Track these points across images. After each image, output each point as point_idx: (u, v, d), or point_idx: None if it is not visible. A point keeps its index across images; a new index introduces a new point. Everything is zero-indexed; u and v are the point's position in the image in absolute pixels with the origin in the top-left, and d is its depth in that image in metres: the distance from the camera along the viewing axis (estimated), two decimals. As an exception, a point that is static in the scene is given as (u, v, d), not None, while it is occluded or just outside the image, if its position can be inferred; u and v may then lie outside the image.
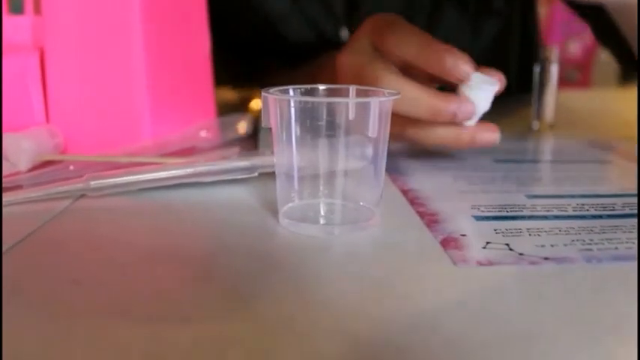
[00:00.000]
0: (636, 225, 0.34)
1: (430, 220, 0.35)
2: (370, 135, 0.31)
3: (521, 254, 0.30)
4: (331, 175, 0.33)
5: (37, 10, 0.49)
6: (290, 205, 0.34)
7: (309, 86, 0.35)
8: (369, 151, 0.33)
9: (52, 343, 0.21)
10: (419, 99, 0.41)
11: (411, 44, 0.42)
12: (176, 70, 0.52)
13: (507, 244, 0.31)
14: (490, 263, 0.29)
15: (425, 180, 0.44)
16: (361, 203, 0.35)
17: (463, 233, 0.33)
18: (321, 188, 0.34)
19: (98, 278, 0.27)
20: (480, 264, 0.29)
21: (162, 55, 0.49)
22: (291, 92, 0.34)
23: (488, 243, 0.31)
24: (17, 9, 0.51)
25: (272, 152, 0.35)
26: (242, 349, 0.21)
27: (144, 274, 0.27)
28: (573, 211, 0.37)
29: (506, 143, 0.47)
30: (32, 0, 0.50)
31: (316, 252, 0.30)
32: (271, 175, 0.35)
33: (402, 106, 0.41)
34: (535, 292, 0.26)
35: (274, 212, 0.35)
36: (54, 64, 0.47)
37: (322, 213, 0.34)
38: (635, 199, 0.39)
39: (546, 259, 0.29)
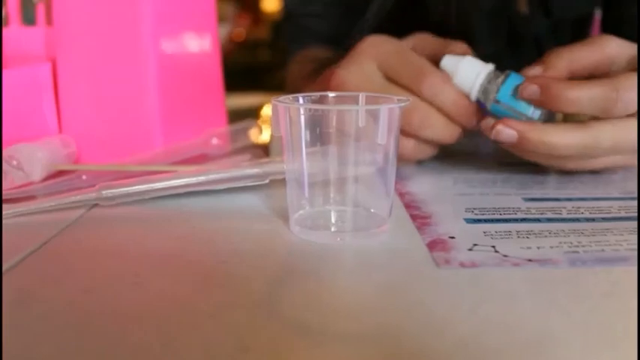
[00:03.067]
0: (629, 228, 0.34)
1: (422, 222, 0.35)
2: (379, 142, 0.31)
3: (505, 256, 0.30)
4: (342, 182, 0.33)
5: (49, 21, 0.49)
6: (301, 212, 0.34)
7: (318, 94, 0.35)
8: (379, 158, 0.33)
9: (66, 351, 0.21)
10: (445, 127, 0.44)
11: (442, 97, 0.42)
12: (187, 78, 0.52)
13: (494, 247, 0.31)
14: (473, 265, 0.29)
15: (424, 183, 0.44)
16: (372, 210, 0.35)
17: (452, 236, 0.33)
18: (332, 195, 0.34)
19: (111, 287, 0.27)
20: (463, 265, 0.29)
21: (174, 63, 0.50)
22: (301, 100, 0.34)
23: (475, 245, 0.31)
24: (30, 20, 0.51)
25: (282, 159, 0.35)
26: (255, 355, 0.21)
27: (157, 282, 0.28)
28: (568, 214, 0.37)
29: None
30: (44, 11, 0.50)
31: (327, 259, 0.30)
32: (282, 182, 0.35)
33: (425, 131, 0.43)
34: (507, 292, 0.26)
35: (285, 219, 0.35)
36: (66, 74, 0.48)
37: (333, 220, 0.34)
38: (632, 203, 0.39)
39: (530, 260, 0.29)
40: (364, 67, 0.44)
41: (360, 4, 0.73)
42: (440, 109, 0.43)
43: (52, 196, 0.38)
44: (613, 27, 0.63)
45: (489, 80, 0.42)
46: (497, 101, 0.42)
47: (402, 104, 0.32)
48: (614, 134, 0.39)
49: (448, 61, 0.43)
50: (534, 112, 0.41)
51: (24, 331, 0.23)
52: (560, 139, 0.39)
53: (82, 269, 0.29)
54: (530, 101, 0.40)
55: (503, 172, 0.47)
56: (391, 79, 0.44)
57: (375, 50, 0.45)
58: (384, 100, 0.34)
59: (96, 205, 0.38)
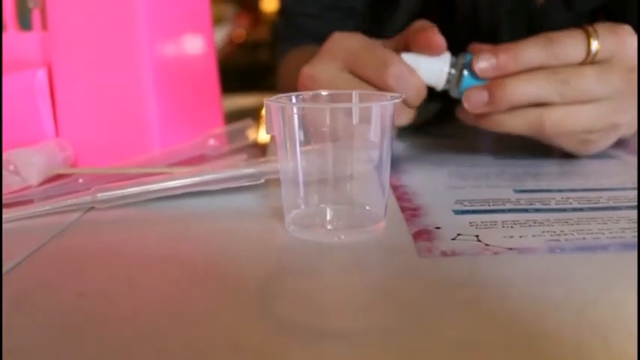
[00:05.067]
0: (614, 217, 0.34)
1: (410, 214, 0.36)
2: (372, 139, 0.31)
3: (487, 245, 0.30)
4: (336, 180, 0.33)
5: (45, 26, 0.50)
6: (296, 211, 0.34)
7: (310, 93, 0.35)
8: (373, 155, 0.33)
9: (61, 354, 0.22)
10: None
11: (407, 87, 0.43)
12: (183, 80, 0.52)
13: (477, 236, 0.31)
14: (454, 254, 0.29)
15: (419, 176, 0.45)
16: (367, 208, 0.35)
17: (438, 226, 0.33)
18: (327, 194, 0.34)
19: (106, 289, 0.27)
20: (444, 254, 0.29)
21: (170, 65, 0.50)
22: (294, 99, 0.34)
23: (459, 235, 0.32)
24: (25, 25, 0.52)
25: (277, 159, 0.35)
26: (248, 354, 0.21)
27: (151, 284, 0.28)
28: (556, 204, 0.37)
29: (510, 140, 0.47)
30: (40, 16, 0.51)
31: (321, 257, 0.30)
32: (278, 181, 0.35)
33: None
34: (492, 280, 0.27)
35: (281, 219, 0.35)
36: (62, 78, 0.48)
37: (328, 218, 0.34)
38: (622, 193, 0.39)
39: (510, 249, 0.30)
40: (329, 65, 0.44)
41: (361, 9, 0.73)
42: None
43: (49, 199, 0.38)
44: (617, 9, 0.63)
45: (451, 72, 0.44)
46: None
47: (395, 100, 0.32)
48: (585, 78, 0.40)
49: (407, 59, 0.44)
50: None
51: (19, 335, 0.23)
52: (525, 83, 0.40)
53: (78, 272, 0.29)
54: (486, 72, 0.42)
55: (496, 165, 0.47)
56: (356, 74, 0.44)
57: (340, 47, 0.45)
58: (377, 97, 0.34)
59: (92, 208, 0.38)
